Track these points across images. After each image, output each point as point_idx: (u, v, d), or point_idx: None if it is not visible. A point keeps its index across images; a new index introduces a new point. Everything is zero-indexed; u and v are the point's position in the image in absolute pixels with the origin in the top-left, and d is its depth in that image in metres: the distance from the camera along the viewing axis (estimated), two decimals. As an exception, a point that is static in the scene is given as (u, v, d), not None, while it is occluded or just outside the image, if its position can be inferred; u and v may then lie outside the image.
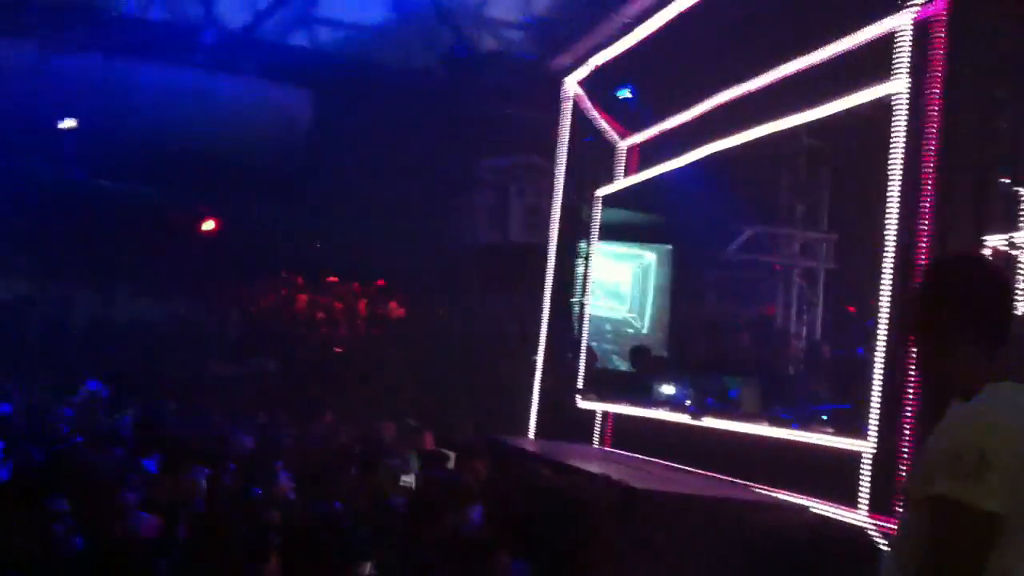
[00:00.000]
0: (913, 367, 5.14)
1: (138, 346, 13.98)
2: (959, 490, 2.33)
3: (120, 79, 12.81)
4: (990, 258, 5.19)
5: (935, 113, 5.53)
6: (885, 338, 5.56)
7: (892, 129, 5.84)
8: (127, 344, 14.06)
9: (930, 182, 5.49)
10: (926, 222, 5.49)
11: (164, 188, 14.00)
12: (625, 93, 9.51)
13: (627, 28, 8.94)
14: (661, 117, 9.12)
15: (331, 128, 13.35)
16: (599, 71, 9.54)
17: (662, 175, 8.87)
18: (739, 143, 7.75)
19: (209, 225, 15.42)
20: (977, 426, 2.41)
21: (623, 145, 9.82)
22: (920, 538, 2.42)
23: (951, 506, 2.34)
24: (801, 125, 7.46)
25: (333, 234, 15.29)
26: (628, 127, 9.73)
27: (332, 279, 16.00)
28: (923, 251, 5.45)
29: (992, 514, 2.32)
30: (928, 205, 5.48)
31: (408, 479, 4.34)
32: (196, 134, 12.94)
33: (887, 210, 5.75)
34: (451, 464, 4.49)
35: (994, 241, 5.39)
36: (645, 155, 9.56)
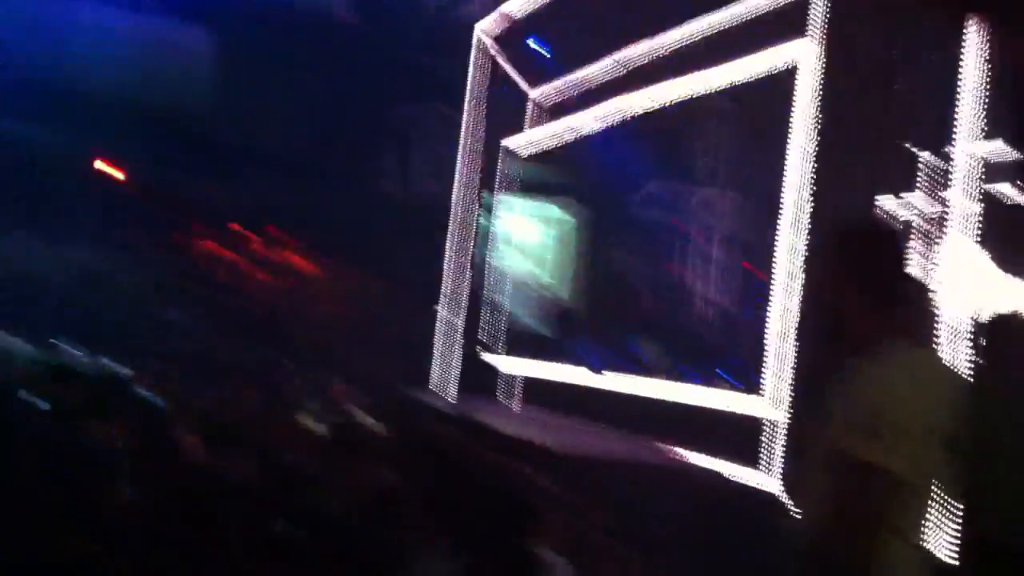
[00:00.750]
0: (800, 327, 5.29)
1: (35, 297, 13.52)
2: (880, 454, 2.38)
3: (12, 14, 12.23)
4: (883, 220, 5.34)
5: (827, 76, 5.65)
6: (779, 299, 5.70)
7: (794, 91, 5.95)
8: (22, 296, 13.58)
9: (818, 145, 5.62)
10: (818, 184, 5.62)
11: (61, 130, 13.47)
12: (534, 44, 9.43)
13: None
14: (570, 71, 9.08)
15: (234, 69, 12.97)
16: (510, 21, 9.44)
17: (569, 130, 8.87)
18: (646, 101, 7.80)
19: (105, 169, 14.93)
20: (893, 390, 2.46)
21: (533, 95, 9.73)
22: (835, 498, 2.46)
23: (874, 471, 2.38)
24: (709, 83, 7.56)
25: (236, 182, 14.94)
26: (537, 79, 9.63)
27: (235, 226, 15.64)
28: (816, 212, 5.58)
29: (901, 477, 2.39)
30: (819, 167, 5.62)
31: (321, 427, 4.30)
32: (95, 74, 12.45)
33: (785, 172, 5.87)
34: (358, 419, 4.44)
35: (888, 202, 5.53)
36: (554, 109, 9.51)
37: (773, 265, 5.82)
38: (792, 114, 5.96)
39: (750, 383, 5.78)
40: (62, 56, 12.32)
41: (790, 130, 5.96)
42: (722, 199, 10.97)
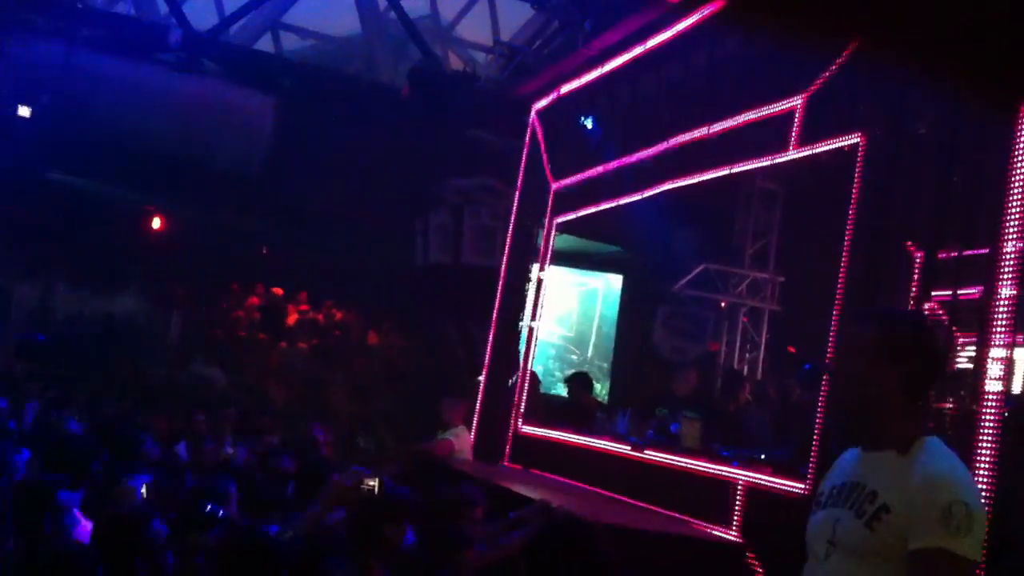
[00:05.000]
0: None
1: (76, 343, 13.76)
2: (955, 543, 2.43)
3: (80, 71, 12.62)
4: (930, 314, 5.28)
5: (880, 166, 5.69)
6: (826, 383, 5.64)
7: (851, 178, 5.96)
8: (65, 340, 13.81)
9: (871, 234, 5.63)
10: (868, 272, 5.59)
11: (117, 184, 13.82)
12: (589, 124, 9.56)
13: (595, 61, 9.02)
14: (623, 151, 9.16)
15: (292, 137, 13.25)
16: (562, 100, 9.60)
17: (619, 207, 8.93)
18: (697, 181, 7.86)
19: (156, 224, 15.23)
20: (958, 482, 2.53)
21: (587, 172, 9.75)
22: None
23: (948, 559, 2.43)
24: (756, 168, 7.62)
25: (286, 244, 15.20)
26: (592, 157, 9.65)
27: (277, 290, 15.92)
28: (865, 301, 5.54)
29: (977, 563, 2.47)
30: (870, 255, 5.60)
31: (372, 483, 4.27)
32: (154, 133, 12.79)
33: (843, 256, 5.84)
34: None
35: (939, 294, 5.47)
36: (605, 189, 9.50)
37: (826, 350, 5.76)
38: (847, 202, 5.96)
39: (796, 471, 5.68)
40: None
41: (845, 218, 5.95)
42: (770, 281, 11.02)
